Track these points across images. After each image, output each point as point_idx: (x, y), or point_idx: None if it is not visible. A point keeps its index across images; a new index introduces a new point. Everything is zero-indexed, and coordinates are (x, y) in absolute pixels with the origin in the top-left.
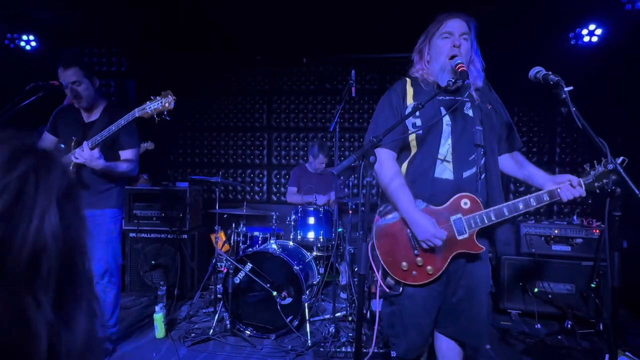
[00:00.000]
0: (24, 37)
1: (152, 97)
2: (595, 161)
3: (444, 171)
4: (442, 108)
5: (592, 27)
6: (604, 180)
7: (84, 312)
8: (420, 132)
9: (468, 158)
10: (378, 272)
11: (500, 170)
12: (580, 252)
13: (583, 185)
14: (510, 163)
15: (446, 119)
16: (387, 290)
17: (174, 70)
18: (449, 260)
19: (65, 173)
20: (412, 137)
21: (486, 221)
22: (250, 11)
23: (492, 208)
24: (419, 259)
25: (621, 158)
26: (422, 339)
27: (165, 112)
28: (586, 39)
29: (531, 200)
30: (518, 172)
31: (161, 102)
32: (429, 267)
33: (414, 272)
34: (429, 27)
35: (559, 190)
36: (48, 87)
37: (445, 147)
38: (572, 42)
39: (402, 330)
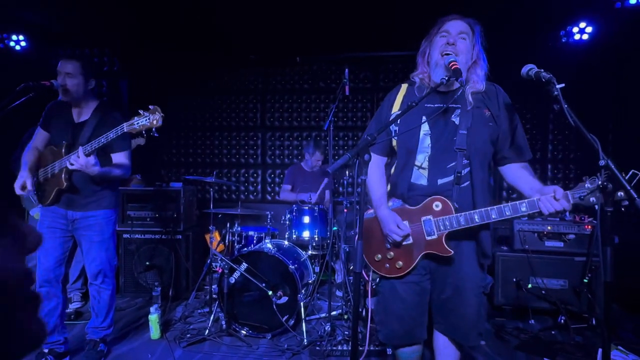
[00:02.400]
0: (14, 37)
1: (140, 112)
2: (598, 174)
3: (420, 177)
4: (423, 117)
5: (582, 25)
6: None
7: None
8: (396, 137)
9: (446, 166)
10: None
11: (508, 181)
12: (572, 248)
13: (570, 199)
14: (518, 174)
15: (425, 128)
16: (367, 278)
17: (166, 70)
18: (418, 259)
19: None
20: (394, 144)
21: (455, 225)
22: (243, 10)
23: (462, 213)
24: (390, 252)
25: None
26: (402, 329)
27: (154, 129)
28: (577, 36)
29: (505, 209)
30: (520, 185)
31: (149, 119)
32: (399, 262)
33: (386, 264)
34: (431, 30)
35: (538, 201)
36: (39, 88)
37: (423, 155)
38: (564, 40)
39: (383, 317)
